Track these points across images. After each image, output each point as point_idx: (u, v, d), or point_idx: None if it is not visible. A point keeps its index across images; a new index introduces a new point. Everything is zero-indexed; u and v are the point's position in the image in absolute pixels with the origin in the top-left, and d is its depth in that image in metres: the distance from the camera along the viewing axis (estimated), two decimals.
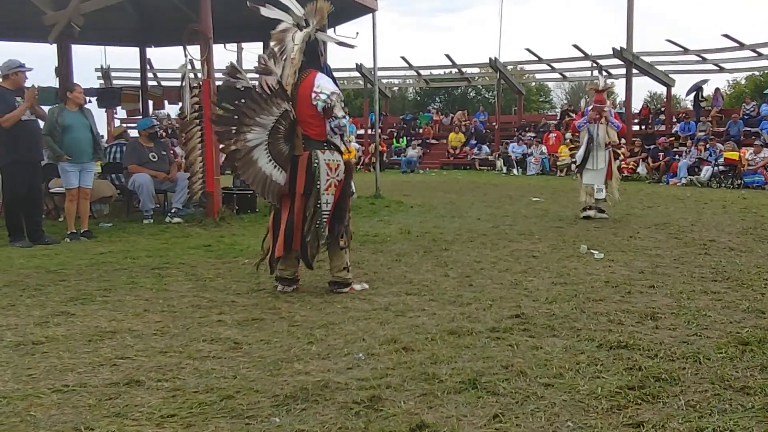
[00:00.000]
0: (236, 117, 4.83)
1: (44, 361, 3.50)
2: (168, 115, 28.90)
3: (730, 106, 25.15)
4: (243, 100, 4.81)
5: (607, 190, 9.53)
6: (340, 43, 5.60)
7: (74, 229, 7.96)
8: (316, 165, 4.92)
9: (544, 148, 22.07)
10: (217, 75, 10.52)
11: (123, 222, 9.41)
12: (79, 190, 8.02)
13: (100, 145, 8.19)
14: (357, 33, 13.26)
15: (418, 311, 4.51)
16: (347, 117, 5.23)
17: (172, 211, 9.54)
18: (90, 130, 8.01)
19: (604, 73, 10.30)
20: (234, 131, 4.84)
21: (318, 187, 4.94)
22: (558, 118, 25.33)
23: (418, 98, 47.65)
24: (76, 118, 7.94)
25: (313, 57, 5.07)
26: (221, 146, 5.08)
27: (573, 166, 11.07)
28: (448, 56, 28.20)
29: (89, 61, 26.94)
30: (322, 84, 4.91)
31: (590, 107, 9.54)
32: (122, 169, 10.13)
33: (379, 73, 13.92)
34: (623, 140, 12.15)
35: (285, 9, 5.11)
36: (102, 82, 23.74)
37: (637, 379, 3.14)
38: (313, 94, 4.87)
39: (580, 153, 9.60)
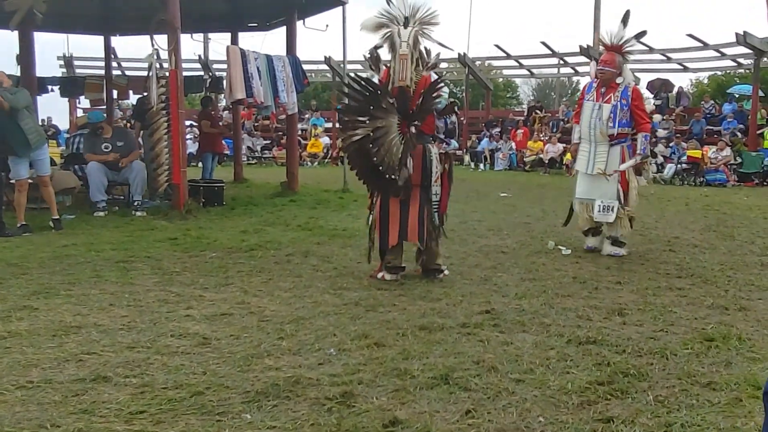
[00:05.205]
0: (366, 107, 4.95)
1: (7, 357, 3.41)
2: (132, 105, 28.44)
3: (693, 105, 25.60)
4: (370, 92, 4.99)
5: (622, 209, 6.28)
6: (441, 44, 5.58)
7: (24, 221, 7.66)
8: (430, 158, 5.23)
9: (512, 144, 22.19)
10: (185, 65, 10.39)
11: (86, 214, 9.22)
12: (39, 179, 7.82)
13: (28, 134, 7.47)
14: (327, 26, 13.09)
15: (389, 306, 4.50)
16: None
17: (135, 203, 9.36)
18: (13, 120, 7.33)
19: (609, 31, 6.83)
20: (359, 122, 4.96)
21: (431, 178, 5.25)
22: (525, 114, 25.52)
23: None
24: None
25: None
26: (343, 137, 5.14)
27: (565, 168, 7.63)
28: None
29: (51, 49, 26.27)
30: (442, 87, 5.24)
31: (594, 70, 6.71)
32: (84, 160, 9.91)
33: (348, 67, 13.82)
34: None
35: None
36: (65, 70, 23.20)
37: (606, 375, 3.18)
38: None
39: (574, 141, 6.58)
